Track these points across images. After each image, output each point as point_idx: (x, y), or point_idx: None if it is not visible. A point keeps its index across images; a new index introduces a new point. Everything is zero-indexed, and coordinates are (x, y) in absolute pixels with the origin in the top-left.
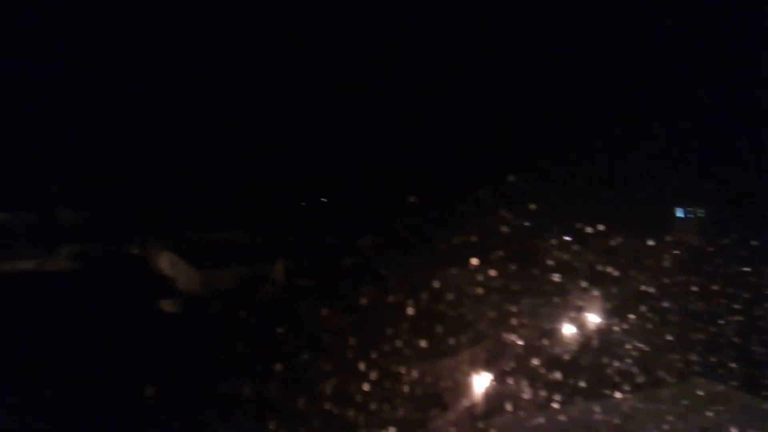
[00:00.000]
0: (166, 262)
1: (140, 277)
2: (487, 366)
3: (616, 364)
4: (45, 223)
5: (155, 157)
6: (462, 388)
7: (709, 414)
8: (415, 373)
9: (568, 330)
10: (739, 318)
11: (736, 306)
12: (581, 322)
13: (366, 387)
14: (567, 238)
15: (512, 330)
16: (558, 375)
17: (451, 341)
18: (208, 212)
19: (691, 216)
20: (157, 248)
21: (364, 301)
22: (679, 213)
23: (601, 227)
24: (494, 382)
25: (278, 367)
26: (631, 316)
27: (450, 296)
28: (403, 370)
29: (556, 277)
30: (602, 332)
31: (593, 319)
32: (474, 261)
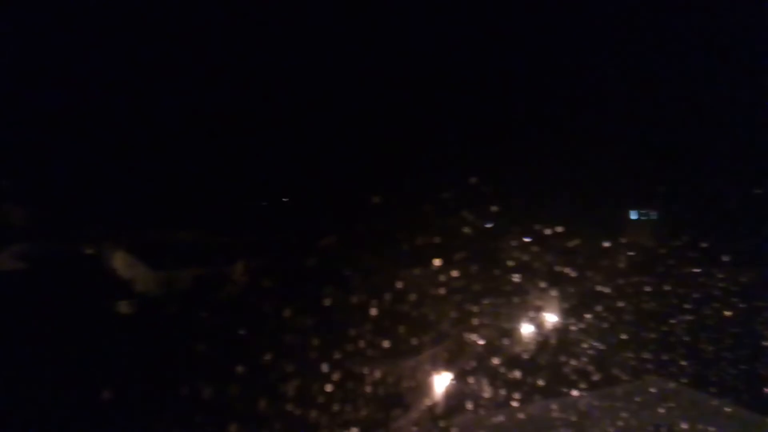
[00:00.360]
0: (121, 262)
1: (94, 278)
2: (449, 365)
3: (573, 362)
4: None
5: (110, 154)
6: (423, 387)
7: (661, 410)
8: (377, 374)
9: (527, 329)
10: (689, 317)
11: (686, 306)
12: (540, 322)
13: (328, 388)
14: (527, 240)
15: (473, 330)
16: (517, 374)
17: (413, 341)
18: (166, 211)
19: (645, 218)
20: (112, 247)
21: (326, 301)
22: (633, 215)
23: (559, 229)
24: (455, 382)
25: (239, 368)
26: (588, 316)
27: (412, 296)
28: (365, 370)
29: (516, 278)
30: (560, 331)
31: (551, 318)
32: (436, 261)
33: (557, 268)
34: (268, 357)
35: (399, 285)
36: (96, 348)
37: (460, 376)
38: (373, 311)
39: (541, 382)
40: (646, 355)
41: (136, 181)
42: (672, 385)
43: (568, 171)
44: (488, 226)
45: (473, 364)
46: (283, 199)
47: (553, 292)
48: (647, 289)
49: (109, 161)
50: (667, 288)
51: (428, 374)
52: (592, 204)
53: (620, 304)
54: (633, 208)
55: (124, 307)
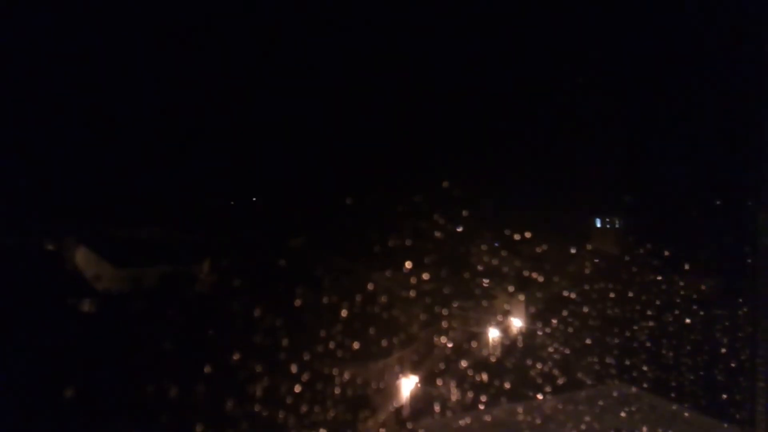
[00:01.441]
0: (83, 259)
1: (54, 274)
2: (417, 368)
3: (539, 366)
4: None
5: (74, 147)
6: (392, 390)
7: (623, 415)
8: (346, 375)
9: (494, 333)
10: (651, 324)
11: (649, 312)
12: (507, 326)
13: (297, 388)
14: (495, 244)
15: (441, 333)
16: (484, 377)
17: (383, 343)
18: (131, 207)
19: (609, 226)
20: (74, 243)
21: (296, 302)
22: (598, 223)
23: (527, 234)
24: (422, 384)
25: (206, 368)
26: (554, 321)
27: (382, 298)
28: (334, 371)
29: (485, 282)
30: (526, 336)
31: (518, 322)
32: (407, 264)
33: (525, 273)
34: (236, 357)
35: (369, 287)
36: (57, 346)
37: (428, 379)
38: (343, 313)
39: (507, 385)
40: (610, 360)
41: (101, 176)
42: (634, 390)
43: (536, 177)
44: (459, 230)
45: (441, 367)
46: (253, 199)
47: (521, 297)
48: (611, 295)
49: (73, 155)
50: (630, 295)
51: (396, 377)
52: (559, 210)
53: (585, 309)
54: (598, 216)
55: (86, 304)
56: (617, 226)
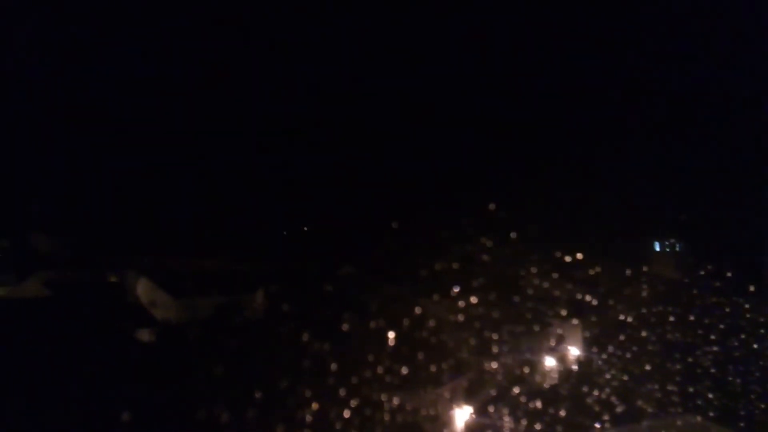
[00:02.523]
0: (143, 290)
1: (117, 305)
2: (468, 395)
3: (597, 393)
4: (18, 249)
5: (133, 184)
6: (445, 419)
7: None
8: (397, 404)
9: (549, 360)
10: (715, 349)
11: (712, 337)
12: (562, 352)
13: (347, 416)
14: (549, 268)
15: (494, 360)
16: (539, 406)
17: (435, 372)
18: (187, 240)
19: (668, 249)
20: (135, 275)
21: (345, 329)
22: (657, 247)
23: (580, 256)
24: (475, 412)
25: (258, 394)
26: (611, 347)
27: (433, 325)
28: (385, 400)
29: (539, 307)
30: (583, 362)
31: (574, 349)
32: (456, 290)
33: (580, 298)
34: (286, 383)
35: (420, 314)
36: (118, 373)
37: (481, 406)
38: (394, 340)
39: (562, 413)
40: (672, 387)
41: (159, 211)
42: (698, 419)
43: (593, 201)
44: (508, 253)
45: (495, 396)
46: (304, 228)
47: (576, 322)
48: (671, 319)
49: (134, 192)
50: (692, 318)
51: (450, 406)
52: (616, 234)
53: (643, 333)
54: (657, 239)
55: (144, 334)
56: (677, 249)
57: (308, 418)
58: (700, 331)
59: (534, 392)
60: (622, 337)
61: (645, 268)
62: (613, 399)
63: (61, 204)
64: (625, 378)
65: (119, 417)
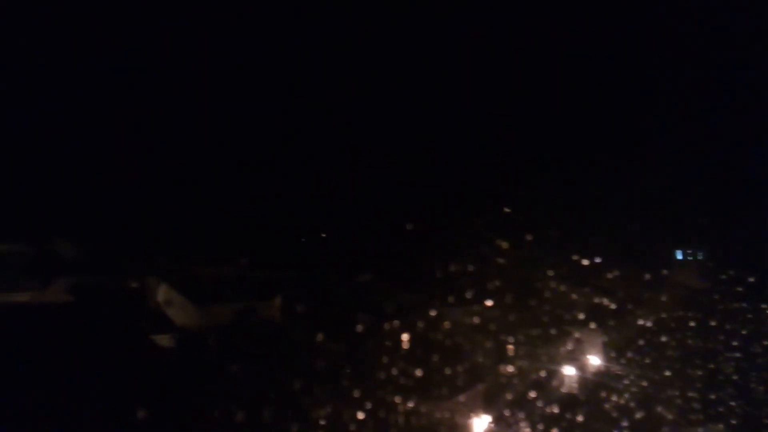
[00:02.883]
0: (163, 296)
1: (138, 311)
2: (488, 407)
3: (615, 399)
4: (42, 255)
5: (153, 190)
6: (460, 426)
7: None
8: (415, 414)
9: (569, 368)
10: (737, 355)
11: (734, 343)
12: (582, 361)
13: (362, 419)
14: (566, 272)
15: (513, 369)
16: (559, 415)
17: (453, 381)
18: (207, 246)
19: (690, 258)
20: (155, 281)
21: (362, 335)
22: (679, 255)
23: (602, 267)
24: (495, 424)
25: (275, 399)
26: (632, 355)
27: (450, 334)
28: (402, 409)
29: (555, 311)
30: (603, 371)
31: (595, 358)
32: (475, 298)
33: (597, 302)
34: (303, 388)
35: (436, 321)
36: (139, 378)
37: (501, 419)
38: (411, 349)
39: (580, 419)
40: (693, 394)
41: (178, 217)
42: (721, 427)
43: (612, 206)
44: (525, 257)
45: (514, 405)
46: (322, 235)
47: (596, 330)
48: (692, 324)
49: (153, 198)
50: (713, 324)
51: (467, 416)
52: (636, 239)
53: (663, 339)
54: (678, 245)
55: (166, 339)
56: (699, 255)
57: (325, 423)
58: (721, 337)
59: (554, 402)
60: (641, 343)
61: (665, 273)
62: (632, 405)
63: (84, 210)
64: (645, 384)
65: (140, 420)
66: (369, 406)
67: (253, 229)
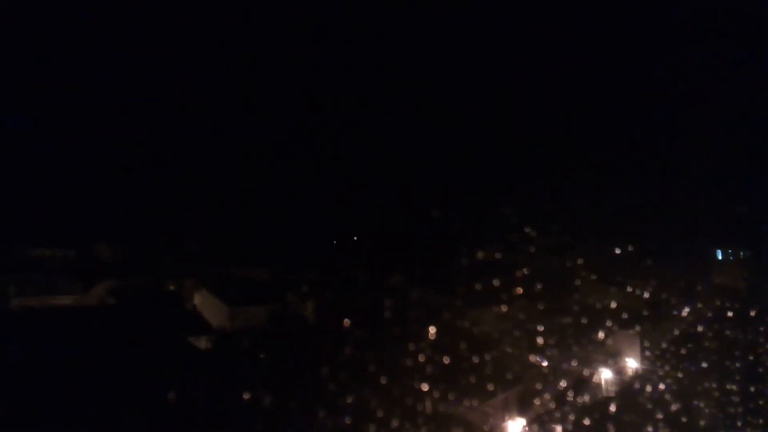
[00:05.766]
0: (200, 298)
1: (175, 313)
2: (523, 410)
3: (651, 405)
4: (84, 259)
5: (190, 196)
6: (495, 429)
7: None
8: (450, 417)
9: (605, 372)
10: None
11: None
12: (619, 365)
13: (396, 423)
14: (604, 276)
15: (548, 372)
16: (595, 420)
17: (487, 384)
18: (242, 249)
19: (732, 258)
20: (192, 284)
21: (394, 337)
22: (719, 254)
23: (641, 267)
24: (530, 428)
25: (307, 399)
26: (672, 359)
27: (485, 337)
28: (437, 412)
29: (594, 319)
30: (640, 375)
31: (632, 361)
32: (508, 299)
33: (638, 309)
34: (335, 388)
35: (468, 323)
36: (176, 378)
37: (536, 422)
38: (445, 351)
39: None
40: (731, 386)
41: (216, 222)
42: (761, 421)
43: (653, 208)
44: (561, 263)
45: (549, 409)
46: (354, 238)
47: (633, 333)
48: (730, 314)
49: (190, 204)
50: (752, 314)
51: (502, 419)
52: (677, 241)
53: (699, 329)
54: (719, 246)
55: (202, 341)
56: (741, 255)
57: (358, 424)
58: (761, 328)
59: (590, 406)
60: (681, 347)
61: (706, 274)
62: (667, 396)
63: (123, 215)
64: (681, 375)
65: (178, 419)
66: (404, 413)
67: (286, 233)
